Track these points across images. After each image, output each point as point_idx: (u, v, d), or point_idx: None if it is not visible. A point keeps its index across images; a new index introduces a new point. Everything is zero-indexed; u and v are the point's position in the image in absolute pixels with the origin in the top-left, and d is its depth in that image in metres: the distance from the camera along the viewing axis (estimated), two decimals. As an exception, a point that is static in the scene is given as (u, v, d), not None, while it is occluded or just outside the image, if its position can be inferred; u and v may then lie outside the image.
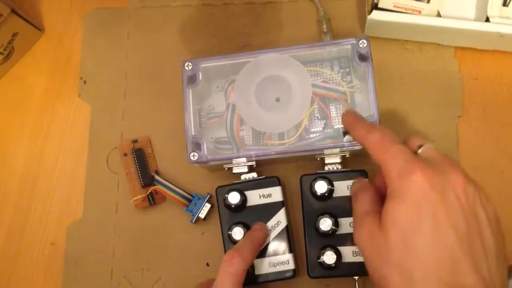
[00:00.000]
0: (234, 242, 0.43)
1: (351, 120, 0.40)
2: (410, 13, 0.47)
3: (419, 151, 0.35)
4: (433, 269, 0.30)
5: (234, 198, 0.43)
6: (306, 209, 0.44)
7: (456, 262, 0.30)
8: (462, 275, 0.29)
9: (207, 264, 0.48)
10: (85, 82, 0.53)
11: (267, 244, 0.44)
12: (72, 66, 0.54)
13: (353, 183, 0.41)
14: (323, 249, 0.42)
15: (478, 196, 0.32)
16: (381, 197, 0.36)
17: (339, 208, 0.43)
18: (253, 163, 0.45)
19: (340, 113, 0.45)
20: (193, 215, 0.47)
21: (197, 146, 0.44)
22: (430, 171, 0.31)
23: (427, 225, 0.30)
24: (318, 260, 0.42)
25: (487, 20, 0.46)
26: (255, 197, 0.44)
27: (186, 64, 0.45)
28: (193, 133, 0.44)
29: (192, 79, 0.45)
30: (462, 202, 0.31)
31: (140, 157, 0.50)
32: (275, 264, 0.43)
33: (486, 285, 0.29)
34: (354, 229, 0.35)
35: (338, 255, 0.41)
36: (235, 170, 0.45)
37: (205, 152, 0.44)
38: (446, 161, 0.33)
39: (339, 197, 0.43)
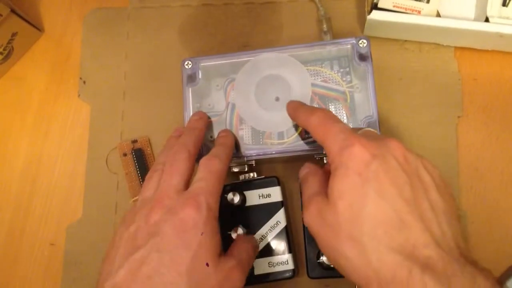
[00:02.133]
0: (234, 241, 0.43)
1: (294, 107, 0.40)
2: (409, 13, 0.47)
3: (359, 132, 0.35)
4: (383, 233, 0.30)
5: (233, 198, 0.43)
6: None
7: (405, 224, 0.30)
8: (412, 236, 0.29)
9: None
10: (84, 82, 0.53)
11: (267, 244, 0.43)
12: (71, 66, 0.54)
13: (301, 169, 0.40)
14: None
15: (421, 161, 0.33)
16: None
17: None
18: (253, 162, 0.45)
19: (340, 113, 0.45)
20: (192, 215, 0.47)
21: (197, 146, 0.44)
22: (369, 143, 0.32)
23: (372, 191, 0.30)
24: (318, 261, 0.42)
25: (487, 20, 0.46)
26: (254, 197, 0.44)
27: (186, 63, 0.45)
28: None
29: (191, 78, 0.45)
30: (405, 166, 0.32)
31: (140, 157, 0.50)
32: (275, 264, 0.43)
33: (439, 243, 0.29)
34: (303, 209, 0.35)
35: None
36: (234, 170, 0.45)
37: (205, 152, 0.44)
38: (385, 136, 0.34)
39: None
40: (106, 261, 0.34)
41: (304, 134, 0.45)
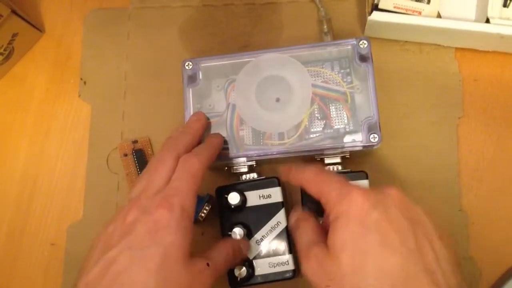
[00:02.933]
0: (234, 242, 0.43)
1: (286, 170, 0.40)
2: (410, 14, 0.47)
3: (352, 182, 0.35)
4: (389, 286, 0.29)
5: (234, 198, 0.43)
6: (306, 210, 0.44)
7: (411, 275, 0.29)
8: (418, 286, 0.29)
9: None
10: (85, 82, 0.53)
11: (267, 245, 0.44)
12: (72, 66, 0.54)
13: (290, 215, 0.40)
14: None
15: (419, 207, 0.33)
16: (324, 231, 0.35)
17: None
18: (253, 163, 0.45)
19: (340, 114, 0.45)
20: (193, 215, 0.47)
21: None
22: (368, 191, 0.32)
23: (375, 241, 0.30)
24: (318, 261, 0.42)
25: (487, 21, 0.46)
26: (255, 198, 0.44)
27: (187, 64, 0.45)
28: None
29: (192, 79, 0.45)
30: (406, 214, 0.31)
31: (140, 158, 0.50)
32: (275, 265, 0.43)
33: None
34: (301, 260, 0.34)
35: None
36: (235, 170, 0.45)
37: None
38: (383, 185, 0.34)
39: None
40: (85, 261, 0.35)
41: (305, 135, 0.45)
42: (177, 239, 0.34)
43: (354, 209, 0.31)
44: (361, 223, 0.31)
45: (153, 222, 0.34)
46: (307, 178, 0.36)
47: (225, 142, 0.45)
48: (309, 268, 0.33)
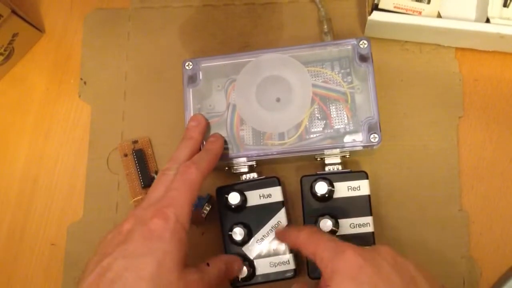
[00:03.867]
0: (235, 242, 0.43)
1: (281, 233, 0.42)
2: (410, 14, 0.47)
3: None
4: None
5: (234, 198, 0.43)
6: (307, 210, 0.44)
7: None
8: None
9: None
10: (85, 82, 0.53)
11: (268, 244, 0.44)
12: (72, 67, 0.54)
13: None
14: None
15: (410, 263, 0.33)
16: None
17: (339, 209, 0.43)
18: (253, 163, 0.45)
19: (341, 114, 0.45)
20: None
21: (198, 146, 0.44)
22: (360, 249, 0.33)
23: None
24: (319, 261, 0.42)
25: (488, 21, 0.46)
26: (255, 197, 0.44)
27: (187, 64, 0.45)
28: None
29: (192, 79, 0.45)
30: (397, 268, 0.32)
31: (141, 158, 0.50)
32: (276, 264, 0.43)
33: None
34: None
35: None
36: (235, 170, 0.45)
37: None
38: (375, 245, 0.35)
39: (340, 198, 0.43)
40: (83, 271, 0.35)
41: (306, 135, 0.45)
42: (171, 249, 0.34)
43: (347, 266, 0.32)
44: (355, 278, 0.32)
45: (148, 231, 0.34)
46: (302, 241, 0.37)
47: (226, 142, 0.45)
48: None
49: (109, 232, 0.37)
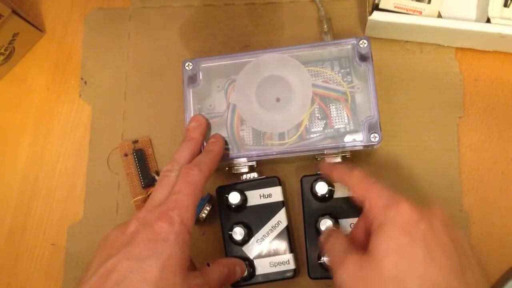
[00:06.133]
0: (235, 242, 0.43)
1: (330, 165, 0.41)
2: (411, 14, 0.47)
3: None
4: None
5: (234, 198, 0.44)
6: (307, 210, 0.44)
7: None
8: None
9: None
10: (85, 82, 0.53)
11: (268, 244, 0.44)
12: (72, 66, 0.54)
13: (322, 233, 0.40)
14: (323, 250, 0.42)
15: (459, 230, 0.33)
16: (355, 243, 0.35)
17: (340, 209, 0.43)
18: (254, 163, 0.45)
19: (341, 113, 0.45)
20: (193, 215, 0.47)
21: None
22: (415, 203, 0.32)
23: (420, 253, 0.30)
24: (319, 261, 0.42)
25: (488, 21, 0.46)
26: (255, 197, 0.44)
27: (187, 64, 0.45)
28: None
29: (192, 79, 0.45)
30: (449, 233, 0.32)
31: (141, 158, 0.50)
32: (276, 264, 0.43)
33: None
34: (335, 268, 0.34)
35: (339, 255, 0.41)
36: (235, 170, 0.45)
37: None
38: (428, 201, 0.34)
39: (340, 198, 0.43)
40: (84, 271, 0.35)
41: (306, 135, 0.45)
42: (176, 252, 0.34)
43: (401, 218, 0.31)
44: (408, 232, 0.31)
45: (152, 234, 0.34)
46: (353, 182, 0.37)
47: (226, 142, 0.45)
48: (347, 274, 0.33)
49: (111, 232, 0.37)
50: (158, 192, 0.38)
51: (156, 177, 0.48)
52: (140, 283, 0.32)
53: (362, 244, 0.34)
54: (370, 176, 0.36)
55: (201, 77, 0.46)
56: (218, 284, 0.39)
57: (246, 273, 0.42)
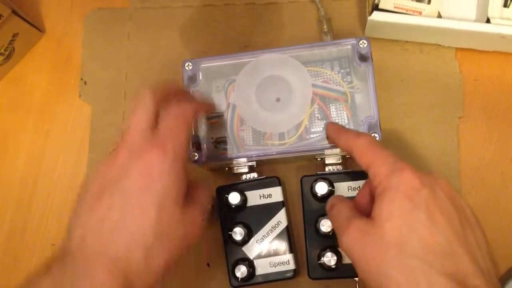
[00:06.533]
0: (235, 242, 0.43)
1: (338, 128, 0.41)
2: (410, 14, 0.47)
3: None
4: (434, 259, 0.30)
5: (234, 198, 0.43)
6: (307, 210, 0.44)
7: (456, 253, 0.30)
8: (462, 265, 0.30)
9: (208, 264, 0.48)
10: (85, 82, 0.53)
11: (268, 244, 0.44)
12: (72, 67, 0.54)
13: (328, 201, 0.40)
14: (323, 250, 0.42)
15: (463, 199, 0.33)
16: (360, 210, 0.35)
17: (340, 208, 0.43)
18: (254, 163, 0.45)
19: (341, 114, 0.45)
20: (193, 215, 0.47)
21: (197, 147, 0.44)
22: (419, 171, 0.32)
23: (422, 217, 0.31)
24: (319, 262, 0.42)
25: (488, 21, 0.46)
26: (255, 197, 0.44)
27: (186, 64, 0.45)
28: (193, 133, 0.44)
29: (192, 79, 0.45)
30: (453, 201, 0.32)
31: (141, 158, 0.50)
32: (276, 264, 0.43)
33: (484, 275, 0.30)
34: (339, 234, 0.34)
35: (339, 256, 0.41)
36: (235, 170, 0.45)
37: (206, 152, 0.44)
38: (432, 172, 0.34)
39: (340, 198, 0.43)
40: (77, 206, 0.34)
41: (306, 135, 0.45)
42: (172, 184, 0.33)
43: (405, 184, 0.32)
44: (411, 198, 0.31)
45: (147, 166, 0.33)
46: (358, 148, 0.36)
47: (226, 142, 0.45)
48: (351, 239, 0.33)
49: (100, 165, 0.35)
50: (141, 117, 0.35)
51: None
52: (139, 224, 0.32)
53: (366, 210, 0.34)
54: (376, 143, 0.36)
55: (201, 77, 0.45)
56: (207, 207, 0.39)
57: (246, 273, 0.42)
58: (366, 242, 0.32)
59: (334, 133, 0.41)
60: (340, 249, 0.38)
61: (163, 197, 0.33)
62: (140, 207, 0.32)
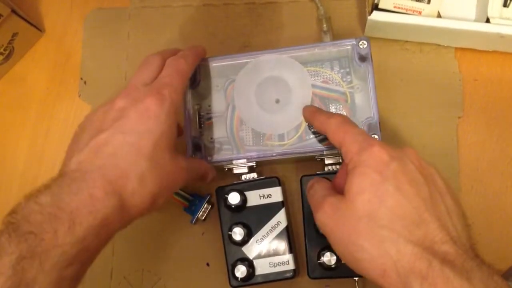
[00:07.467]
0: (234, 242, 0.43)
1: (311, 110, 0.42)
2: (410, 14, 0.47)
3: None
4: (402, 227, 0.31)
5: (234, 198, 0.43)
6: (307, 210, 0.44)
7: (423, 220, 0.31)
8: (430, 232, 0.30)
9: (207, 264, 0.48)
10: (85, 82, 0.53)
11: (268, 244, 0.44)
12: (72, 66, 0.54)
13: (307, 184, 0.41)
14: (323, 250, 0.42)
15: (433, 167, 0.35)
16: (337, 189, 0.36)
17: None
18: (253, 163, 0.45)
19: (340, 113, 0.45)
20: (193, 215, 0.47)
21: (197, 147, 0.44)
22: (388, 146, 0.34)
23: (391, 188, 0.32)
24: (318, 261, 0.42)
25: (488, 21, 0.46)
26: (255, 198, 0.44)
27: (186, 64, 0.45)
28: (192, 134, 0.44)
29: (192, 79, 0.45)
30: (421, 170, 0.33)
31: (140, 157, 0.50)
32: (275, 264, 0.43)
33: (454, 241, 0.30)
34: (315, 211, 0.35)
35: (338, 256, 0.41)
36: (235, 171, 0.45)
37: (205, 153, 0.44)
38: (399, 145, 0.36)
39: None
40: (73, 142, 0.36)
41: (306, 136, 0.45)
42: (166, 130, 0.36)
43: (374, 160, 0.33)
44: (380, 172, 0.32)
45: (144, 109, 0.35)
46: (331, 128, 0.37)
47: (226, 143, 0.45)
48: (325, 216, 0.34)
49: (97, 108, 0.37)
50: (144, 73, 0.39)
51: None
52: (136, 155, 0.34)
53: (343, 189, 0.35)
54: (346, 122, 0.37)
55: (200, 77, 0.45)
56: (193, 177, 0.41)
57: (245, 273, 0.42)
58: (338, 216, 0.33)
59: (309, 115, 0.42)
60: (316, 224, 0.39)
61: (159, 136, 0.35)
62: (137, 145, 0.34)
